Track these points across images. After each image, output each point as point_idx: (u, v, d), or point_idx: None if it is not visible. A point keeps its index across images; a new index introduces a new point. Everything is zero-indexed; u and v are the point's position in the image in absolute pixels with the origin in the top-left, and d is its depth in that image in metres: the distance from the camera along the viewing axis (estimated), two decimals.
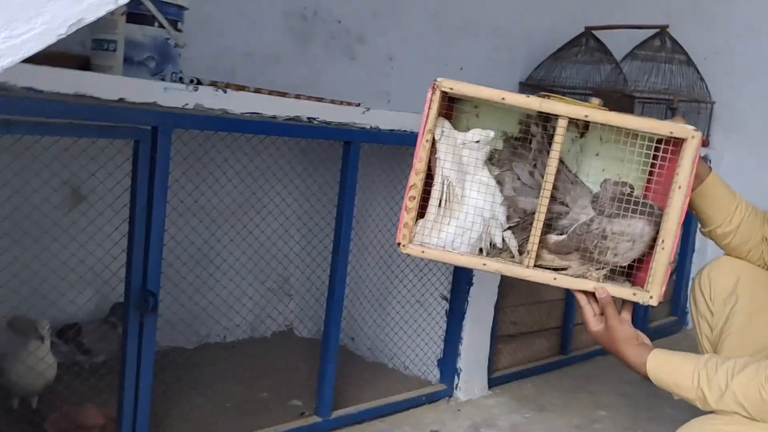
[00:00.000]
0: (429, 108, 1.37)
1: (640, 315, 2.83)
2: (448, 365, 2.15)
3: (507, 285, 2.28)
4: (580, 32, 3.18)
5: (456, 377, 2.15)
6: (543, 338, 2.50)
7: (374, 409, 1.98)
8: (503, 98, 1.35)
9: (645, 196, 1.42)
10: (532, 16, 3.30)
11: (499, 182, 1.43)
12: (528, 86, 3.24)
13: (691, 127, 1.34)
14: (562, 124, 1.35)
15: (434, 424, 2.00)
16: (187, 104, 1.43)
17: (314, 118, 1.66)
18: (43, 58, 1.64)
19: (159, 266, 1.45)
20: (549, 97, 1.38)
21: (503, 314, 2.31)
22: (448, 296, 2.14)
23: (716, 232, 1.60)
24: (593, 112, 1.34)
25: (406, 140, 1.88)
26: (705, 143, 3.01)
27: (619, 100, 3.01)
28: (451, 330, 2.14)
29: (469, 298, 2.11)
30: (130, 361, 1.45)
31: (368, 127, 1.78)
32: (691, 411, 1.31)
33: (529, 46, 3.31)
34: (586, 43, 3.13)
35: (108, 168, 1.74)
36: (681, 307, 3.17)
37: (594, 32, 3.14)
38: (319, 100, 1.93)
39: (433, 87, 1.36)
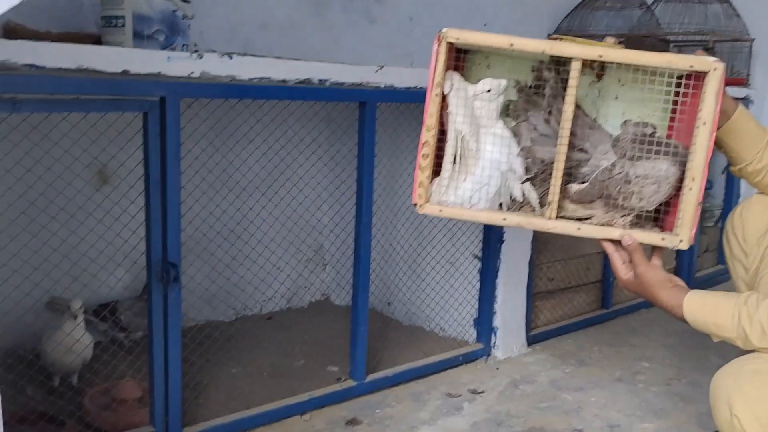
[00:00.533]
0: (436, 61, 1.33)
1: (685, 264, 2.76)
2: (484, 324, 2.13)
3: (541, 241, 2.24)
4: None
5: (493, 336, 2.13)
6: (582, 293, 2.45)
7: (410, 371, 1.97)
8: (512, 44, 1.30)
9: (669, 136, 1.37)
10: None
11: (516, 134, 1.39)
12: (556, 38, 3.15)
13: (713, 59, 1.28)
14: (575, 66, 1.29)
15: (472, 383, 1.98)
16: (192, 73, 1.42)
17: (325, 80, 1.63)
18: (58, 39, 1.66)
19: (178, 237, 1.45)
20: (560, 39, 1.32)
21: (539, 270, 2.28)
22: (480, 255, 2.11)
23: (747, 170, 1.53)
24: (607, 51, 1.29)
25: (424, 98, 1.84)
26: (743, 82, 2.89)
27: (654, 45, 2.91)
28: (484, 289, 2.12)
29: (501, 256, 2.08)
30: (156, 333, 1.47)
31: (383, 86, 1.75)
32: (738, 348, 1.27)
33: None
34: None
35: (132, 145, 1.75)
36: None
37: None
38: None
39: (439, 38, 1.32)
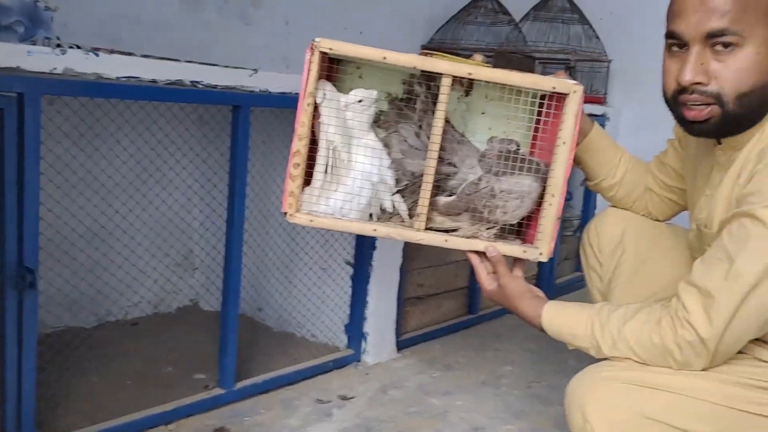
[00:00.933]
0: (309, 70, 1.33)
1: (546, 273, 2.89)
2: (354, 330, 2.15)
3: (412, 248, 2.29)
4: None
5: (363, 342, 2.15)
6: (450, 299, 2.52)
7: (280, 377, 1.96)
8: (384, 57, 1.32)
9: (532, 153, 1.43)
10: None
11: (386, 145, 1.41)
12: (429, 49, 3.22)
13: (573, 82, 1.35)
14: (445, 82, 1.33)
15: (342, 389, 2.00)
16: (55, 69, 1.35)
17: (198, 82, 1.60)
18: None
19: (36, 241, 1.38)
20: (431, 55, 1.36)
21: (410, 277, 2.32)
22: (353, 261, 2.13)
23: (602, 185, 1.63)
24: (477, 69, 1.34)
25: (296, 103, 1.84)
26: (603, 101, 3.07)
27: (521, 61, 3.04)
28: (356, 295, 2.14)
29: (373, 263, 2.11)
30: (10, 342, 1.38)
31: (257, 90, 1.73)
32: (593, 361, 1.33)
33: (429, 8, 3.30)
34: (486, 4, 3.13)
35: None
36: None
37: None
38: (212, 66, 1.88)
39: (312, 47, 1.33)
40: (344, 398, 1.94)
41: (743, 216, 1.12)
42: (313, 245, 2.17)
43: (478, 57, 1.39)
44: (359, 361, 2.16)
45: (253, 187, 2.18)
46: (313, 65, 1.32)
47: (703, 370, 1.18)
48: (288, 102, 1.81)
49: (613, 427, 1.16)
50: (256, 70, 1.72)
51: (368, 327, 2.15)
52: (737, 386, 1.18)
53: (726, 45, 1.15)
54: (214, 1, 2.46)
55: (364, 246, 2.09)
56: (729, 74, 1.16)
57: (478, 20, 3.10)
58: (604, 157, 1.60)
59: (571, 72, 2.99)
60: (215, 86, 1.64)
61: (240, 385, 1.86)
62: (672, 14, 1.22)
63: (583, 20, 3.03)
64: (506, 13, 3.10)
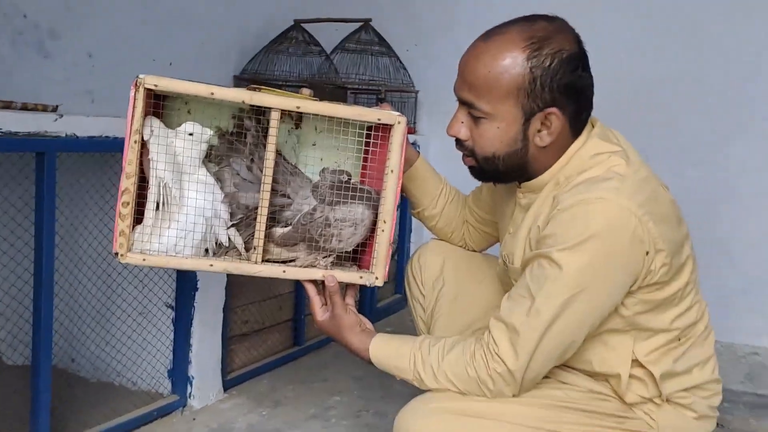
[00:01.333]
0: (134, 107, 1.28)
1: (368, 296, 2.94)
2: (179, 375, 2.05)
3: (235, 285, 2.23)
4: (290, 25, 3.20)
5: (189, 386, 2.06)
6: (276, 333, 2.48)
7: None
8: (212, 93, 1.30)
9: (362, 182, 1.46)
10: (240, 9, 3.27)
11: (219, 179, 1.38)
12: (242, 79, 3.20)
13: (397, 113, 1.40)
14: (274, 116, 1.33)
15: None
16: None
17: None
18: None
19: None
20: (259, 89, 1.35)
21: (234, 314, 2.26)
22: (173, 304, 2.04)
23: (424, 214, 1.70)
24: (305, 103, 1.34)
25: (110, 146, 1.74)
26: (412, 130, 3.19)
27: (333, 92, 3.09)
28: (178, 339, 2.04)
29: (195, 304, 2.03)
30: None
31: (64, 135, 1.62)
32: (416, 387, 1.38)
33: (240, 39, 3.27)
34: (297, 35, 3.16)
35: None
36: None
37: (303, 25, 3.18)
38: (8, 104, 1.73)
39: (136, 84, 1.27)
40: None
41: (542, 257, 1.23)
42: (130, 290, 2.06)
43: (306, 91, 1.40)
44: (185, 406, 2.06)
45: (60, 233, 2.03)
46: (138, 102, 1.27)
47: (514, 396, 1.28)
48: (99, 146, 1.72)
49: None
50: (61, 115, 1.61)
51: (193, 370, 2.06)
52: (547, 408, 1.30)
53: (476, 114, 1.29)
54: (5, 32, 2.28)
55: (186, 288, 2.01)
56: (477, 138, 1.31)
57: (290, 51, 3.11)
58: (427, 187, 1.67)
59: (382, 102, 3.09)
60: (16, 133, 1.51)
61: None
62: None
63: (391, 52, 3.14)
64: (317, 44, 3.15)
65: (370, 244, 1.44)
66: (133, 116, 1.28)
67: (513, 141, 1.29)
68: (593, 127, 1.36)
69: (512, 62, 1.24)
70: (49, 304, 1.64)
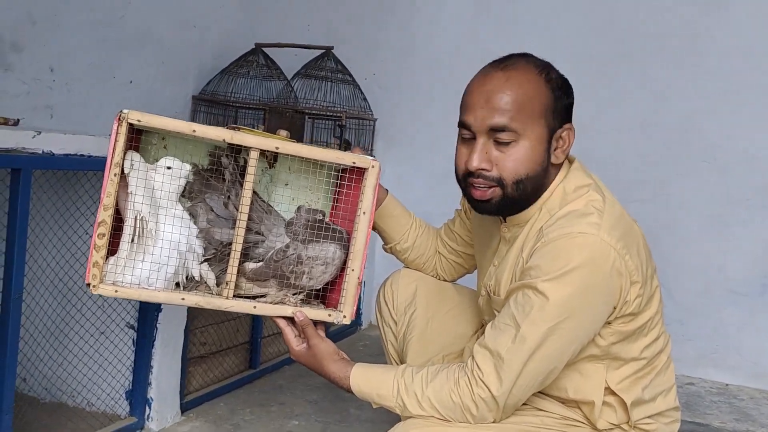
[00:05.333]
0: (115, 140, 1.31)
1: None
2: (137, 396, 2.06)
3: (195, 308, 2.25)
4: (250, 48, 3.24)
5: (147, 407, 2.07)
6: (233, 355, 2.51)
7: None
8: (194, 131, 1.34)
9: (333, 222, 1.52)
10: (200, 32, 3.29)
11: (192, 215, 1.42)
12: (201, 100, 3.22)
13: (371, 158, 1.46)
14: (253, 155, 1.38)
15: None
16: None
17: None
18: None
19: None
20: (239, 129, 1.40)
21: (193, 336, 2.28)
22: (135, 325, 2.05)
23: (396, 248, 1.76)
24: (284, 144, 1.40)
25: (84, 165, 1.76)
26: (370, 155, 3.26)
27: (292, 117, 3.14)
28: (139, 359, 2.05)
29: (158, 325, 2.04)
30: None
31: (41, 152, 1.63)
32: (373, 410, 1.45)
33: (199, 60, 3.29)
34: (257, 59, 3.20)
35: None
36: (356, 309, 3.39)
37: (264, 49, 3.23)
38: None
39: (119, 118, 1.31)
40: None
41: (527, 288, 1.30)
42: (91, 308, 2.06)
43: (283, 133, 1.45)
44: (143, 428, 2.07)
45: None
46: (120, 136, 1.30)
47: (494, 422, 1.34)
48: (73, 164, 1.73)
49: None
50: (39, 132, 1.62)
51: (152, 392, 2.07)
52: None
53: (506, 138, 1.34)
54: None
55: (149, 309, 2.03)
56: (508, 163, 1.35)
57: (250, 74, 3.15)
58: (398, 224, 1.73)
59: (341, 129, 3.15)
60: None
61: None
62: (464, 107, 1.40)
63: (351, 80, 3.21)
64: (277, 69, 3.19)
65: (339, 282, 1.49)
66: (114, 149, 1.31)
67: (541, 159, 1.36)
68: (571, 162, 1.46)
69: (537, 85, 1.35)
70: (16, 326, 1.64)
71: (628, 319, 1.37)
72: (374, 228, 1.71)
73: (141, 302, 2.03)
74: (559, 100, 1.37)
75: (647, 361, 1.45)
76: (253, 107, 3.17)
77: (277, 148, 1.39)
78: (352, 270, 1.46)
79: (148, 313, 2.03)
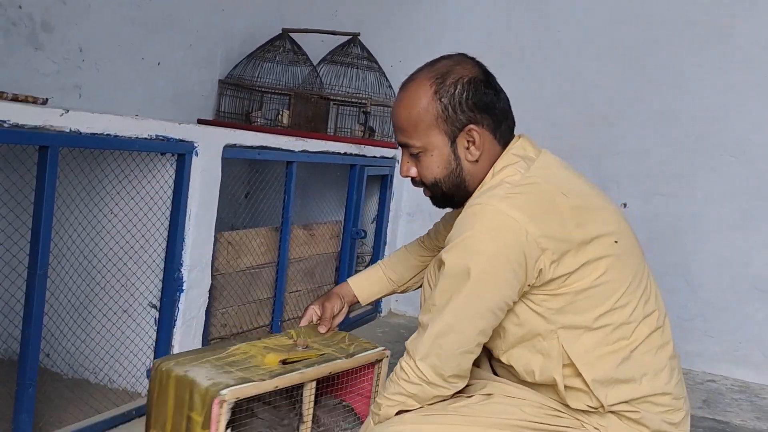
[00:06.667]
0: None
1: None
2: None
3: (218, 288, 2.27)
4: (277, 33, 3.24)
5: None
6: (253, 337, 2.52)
7: (80, 431, 1.84)
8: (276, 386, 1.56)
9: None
10: (228, 16, 3.30)
11: None
12: (227, 84, 3.23)
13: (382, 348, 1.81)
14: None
15: None
16: None
17: (4, 121, 1.49)
18: None
19: None
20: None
21: (214, 318, 2.30)
22: (158, 304, 2.07)
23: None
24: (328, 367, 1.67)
25: (110, 144, 1.77)
26: (395, 145, 3.24)
27: (317, 103, 3.14)
28: (161, 339, 2.07)
29: (180, 305, 2.06)
30: None
31: (68, 130, 1.65)
32: None
33: (226, 44, 3.30)
34: (284, 44, 3.20)
35: None
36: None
37: (291, 35, 3.23)
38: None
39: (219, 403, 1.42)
40: None
41: (438, 261, 1.40)
42: (115, 286, 2.08)
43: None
44: (147, 398, 2.09)
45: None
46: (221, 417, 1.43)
47: (445, 395, 1.42)
48: (100, 143, 1.74)
49: None
50: (67, 110, 1.63)
51: None
52: (505, 429, 1.37)
53: (414, 151, 1.47)
54: (0, 21, 2.29)
55: (171, 288, 2.04)
56: (421, 170, 1.49)
57: (276, 59, 3.15)
58: (382, 292, 1.94)
59: (366, 116, 3.14)
60: (22, 126, 1.54)
61: None
62: None
63: (377, 67, 3.20)
64: (304, 54, 3.19)
65: None
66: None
67: (448, 163, 1.46)
68: (515, 142, 1.51)
69: (424, 99, 1.43)
70: (41, 300, 1.66)
71: (555, 285, 1.36)
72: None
73: (163, 281, 2.05)
74: (451, 106, 1.42)
75: (612, 329, 1.40)
76: (279, 92, 3.17)
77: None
78: None
79: (170, 293, 2.05)
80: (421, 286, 1.87)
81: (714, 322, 3.02)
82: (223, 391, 1.40)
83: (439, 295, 1.37)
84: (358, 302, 1.93)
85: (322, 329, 1.86)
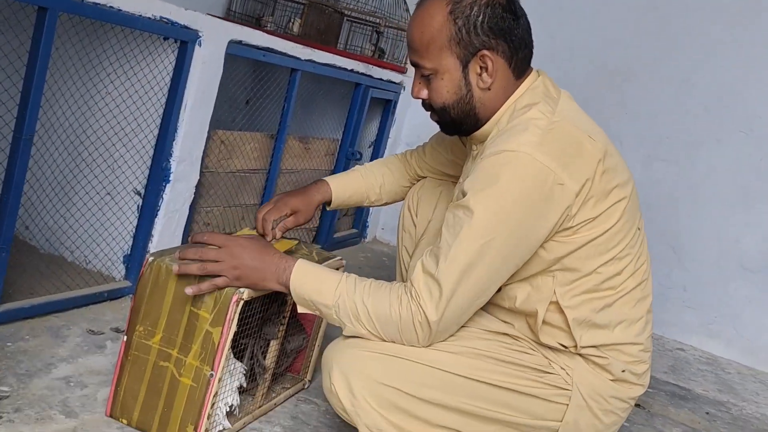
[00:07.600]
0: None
1: (326, 226, 2.98)
2: (134, 262, 2.06)
3: (204, 187, 2.24)
4: None
5: None
6: None
7: (49, 303, 1.83)
8: None
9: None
10: None
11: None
12: None
13: None
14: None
15: (116, 321, 1.92)
16: None
17: None
18: None
19: None
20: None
21: (197, 215, 2.27)
22: (143, 192, 2.04)
23: (371, 205, 1.91)
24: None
25: (112, 17, 1.71)
26: (404, 70, 3.18)
27: (330, 16, 3.06)
28: (141, 226, 2.05)
29: (164, 195, 2.03)
30: None
31: None
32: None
33: None
34: None
35: None
36: (362, 221, 3.39)
37: None
38: None
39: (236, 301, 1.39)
40: (118, 331, 1.87)
41: (456, 208, 1.31)
42: (103, 168, 2.05)
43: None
44: (135, 294, 2.08)
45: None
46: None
47: (425, 346, 1.32)
48: (100, 14, 1.68)
49: (351, 391, 1.29)
50: None
51: None
52: (473, 357, 1.35)
53: (426, 72, 1.41)
54: None
55: (158, 178, 2.01)
56: (431, 93, 1.43)
57: None
58: (357, 200, 1.84)
59: (378, 36, 3.07)
60: None
61: (3, 307, 1.72)
62: None
63: None
64: None
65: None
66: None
67: (458, 88, 1.40)
68: (538, 78, 1.45)
69: (438, 19, 1.36)
70: (23, 168, 1.62)
71: (571, 232, 1.34)
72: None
73: (150, 169, 2.01)
74: (465, 28, 1.35)
75: (604, 278, 1.40)
76: (293, 1, 3.09)
77: None
78: None
79: (156, 182, 2.02)
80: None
81: (694, 294, 3.02)
82: (242, 289, 1.38)
83: (460, 247, 1.27)
84: (326, 203, 1.80)
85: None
